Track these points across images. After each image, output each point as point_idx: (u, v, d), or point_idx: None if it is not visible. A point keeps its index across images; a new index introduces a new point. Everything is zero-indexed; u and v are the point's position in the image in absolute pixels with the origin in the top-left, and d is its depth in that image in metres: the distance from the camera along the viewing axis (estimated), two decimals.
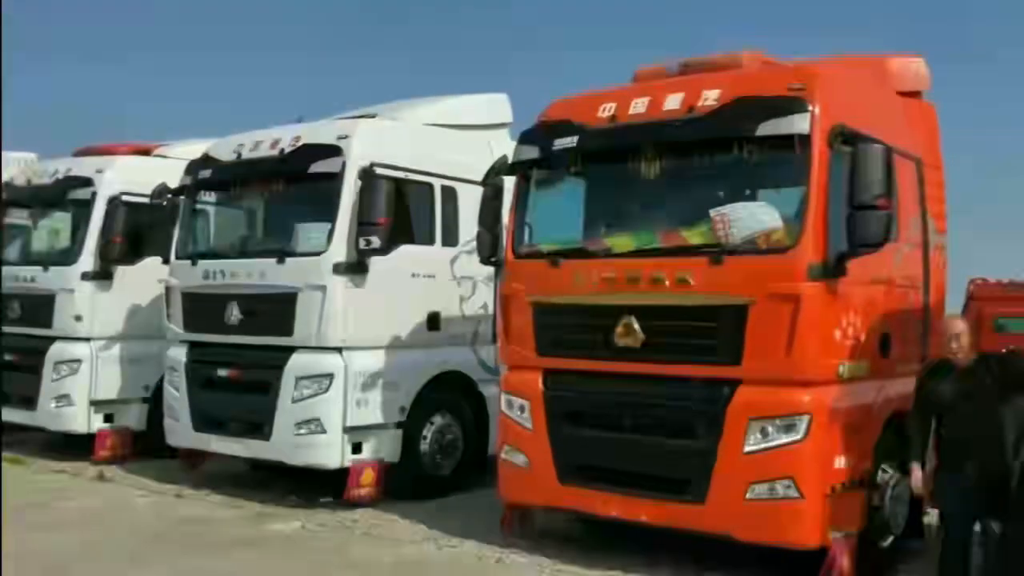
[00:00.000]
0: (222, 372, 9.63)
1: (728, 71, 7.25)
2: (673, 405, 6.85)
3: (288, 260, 9.12)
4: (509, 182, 8.11)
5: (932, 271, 7.86)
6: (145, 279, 11.18)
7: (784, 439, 6.35)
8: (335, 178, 8.96)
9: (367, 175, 8.89)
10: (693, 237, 6.88)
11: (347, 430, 8.90)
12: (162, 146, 12.58)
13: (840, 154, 6.45)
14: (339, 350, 8.95)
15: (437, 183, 9.78)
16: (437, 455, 9.73)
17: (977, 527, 5.60)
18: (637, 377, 6.99)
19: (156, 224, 10.78)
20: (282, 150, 9.40)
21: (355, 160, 8.97)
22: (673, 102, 7.02)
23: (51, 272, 11.55)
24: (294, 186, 9.49)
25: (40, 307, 11.51)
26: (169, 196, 10.52)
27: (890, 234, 6.40)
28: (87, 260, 11.31)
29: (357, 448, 9.02)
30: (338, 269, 8.87)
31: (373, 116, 9.99)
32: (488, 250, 8.14)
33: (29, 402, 11.46)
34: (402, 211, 9.30)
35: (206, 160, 10.15)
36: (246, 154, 9.71)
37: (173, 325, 10.18)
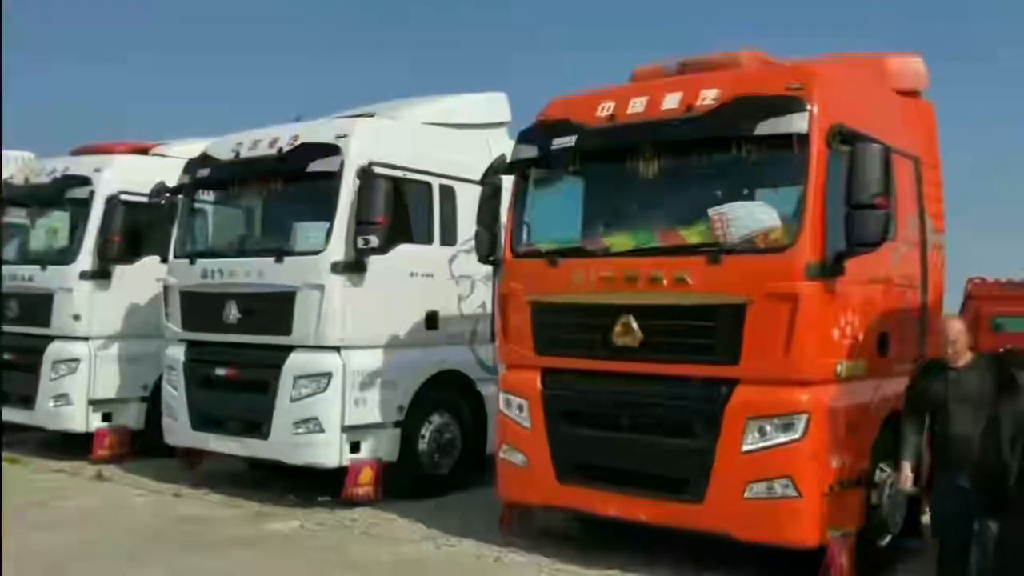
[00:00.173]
0: (220, 371, 9.63)
1: (726, 70, 7.25)
2: (671, 404, 6.85)
3: (286, 259, 9.12)
4: (507, 181, 8.10)
5: (930, 270, 7.86)
6: (143, 278, 11.19)
7: (782, 438, 6.35)
8: (333, 177, 8.96)
9: (365, 174, 8.89)
10: (691, 236, 6.89)
11: (345, 429, 8.90)
12: (160, 145, 12.56)
13: (838, 153, 6.45)
14: (337, 349, 8.95)
15: (435, 182, 9.78)
16: (435, 454, 9.73)
17: (975, 527, 5.59)
18: (635, 376, 6.99)
19: (154, 223, 10.77)
20: (280, 149, 9.40)
21: (353, 159, 8.97)
22: (671, 101, 7.02)
23: (49, 271, 11.54)
24: (292, 185, 9.48)
25: (38, 306, 11.51)
26: (167, 195, 10.52)
27: (888, 233, 6.40)
28: (85, 259, 11.30)
29: (355, 447, 9.02)
30: (336, 268, 8.87)
31: (371, 115, 9.99)
32: (486, 249, 8.13)
33: (27, 401, 11.45)
34: (400, 210, 9.30)
35: (204, 159, 10.15)
36: (244, 153, 9.71)
37: (171, 324, 10.18)
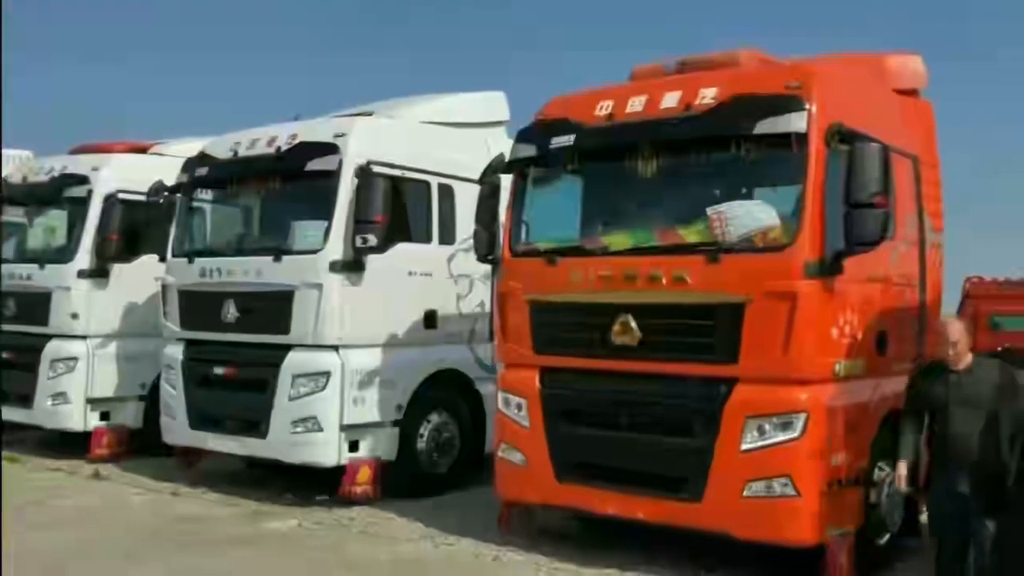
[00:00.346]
0: (219, 370, 9.62)
1: (725, 69, 7.25)
2: (670, 403, 6.85)
3: (285, 258, 9.11)
4: (506, 180, 8.10)
5: (928, 269, 7.86)
6: (141, 277, 11.19)
7: (781, 437, 6.35)
8: (332, 176, 8.95)
9: (364, 173, 8.89)
10: (690, 235, 6.88)
11: (344, 428, 8.90)
12: (158, 144, 12.55)
13: (837, 152, 6.44)
14: (336, 348, 8.95)
15: (434, 181, 9.77)
16: (434, 453, 9.73)
17: (973, 527, 5.57)
18: (634, 375, 6.99)
19: (152, 222, 10.78)
20: (279, 148, 9.40)
21: (352, 158, 8.96)
22: (670, 100, 7.02)
23: (47, 270, 11.52)
24: (291, 184, 9.48)
25: (36, 305, 11.50)
26: (165, 194, 10.52)
27: (887, 232, 6.40)
28: (83, 258, 11.29)
29: (354, 446, 9.01)
30: (335, 267, 8.86)
31: (370, 114, 9.98)
32: (485, 248, 8.13)
33: (25, 400, 11.44)
34: (399, 209, 9.30)
35: (202, 158, 10.13)
36: (243, 152, 9.70)
37: (169, 323, 10.17)
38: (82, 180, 11.52)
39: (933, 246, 7.98)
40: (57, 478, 10.59)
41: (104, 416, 11.45)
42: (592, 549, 7.56)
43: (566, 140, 7.37)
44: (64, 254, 11.54)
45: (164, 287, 10.25)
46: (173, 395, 9.99)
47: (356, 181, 8.89)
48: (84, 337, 11.34)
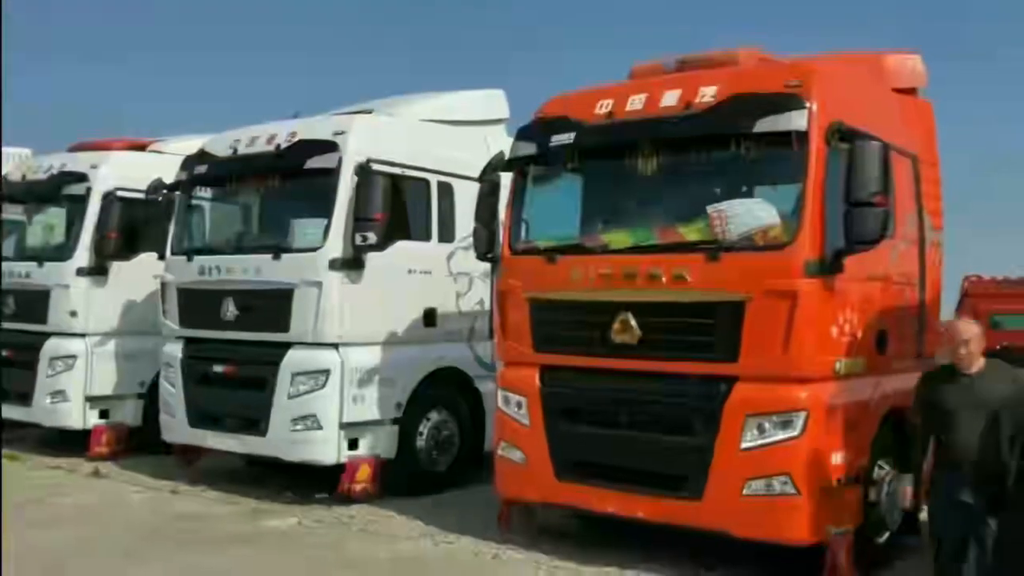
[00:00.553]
0: (218, 368, 9.61)
1: (725, 68, 7.25)
2: (670, 402, 6.85)
3: (284, 256, 9.10)
4: (506, 178, 8.09)
5: (928, 268, 7.86)
6: (140, 275, 11.18)
7: (781, 435, 6.35)
8: (331, 174, 8.94)
9: (363, 171, 8.88)
10: (690, 233, 6.88)
11: (343, 426, 8.89)
12: (157, 141, 12.54)
13: (837, 151, 6.44)
14: (335, 346, 8.94)
15: (433, 179, 9.77)
16: (433, 451, 9.73)
17: (973, 526, 5.54)
18: (634, 374, 6.99)
19: (151, 220, 10.77)
20: (278, 146, 9.39)
21: (351, 156, 8.96)
22: (670, 99, 7.01)
23: (46, 268, 11.51)
24: (290, 182, 9.49)
25: (35, 303, 11.49)
26: (164, 192, 10.50)
27: (887, 231, 6.40)
28: (82, 256, 11.28)
29: (353, 444, 9.01)
30: (334, 265, 8.86)
31: (369, 112, 9.98)
32: (485, 246, 8.12)
33: (24, 398, 11.44)
34: (398, 207, 9.30)
35: (202, 156, 10.12)
36: (242, 150, 9.69)
37: (169, 321, 10.16)
38: (81, 178, 11.51)
39: (933, 245, 7.99)
40: (57, 476, 10.59)
41: (103, 414, 11.45)
42: (592, 547, 7.56)
43: (566, 138, 7.36)
44: (63, 252, 11.52)
45: (163, 285, 10.24)
46: (172, 393, 9.98)
47: (356, 179, 8.89)
48: (83, 335, 11.33)
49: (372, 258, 8.96)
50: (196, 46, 56.40)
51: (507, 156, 7.95)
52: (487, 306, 10.06)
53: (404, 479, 9.41)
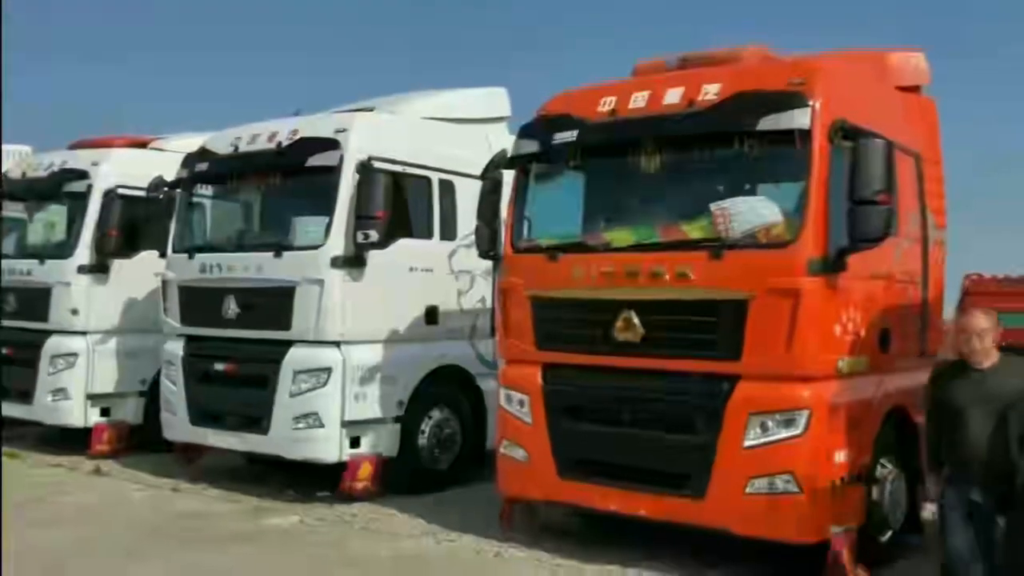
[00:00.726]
0: (219, 366, 9.60)
1: (728, 65, 7.23)
2: (673, 400, 6.84)
3: (285, 254, 9.09)
4: (508, 176, 8.08)
5: (931, 266, 7.85)
6: (142, 272, 11.16)
7: (784, 434, 6.34)
8: (333, 172, 8.93)
9: (365, 169, 8.86)
10: (693, 231, 6.87)
11: (345, 424, 8.88)
12: (158, 139, 12.53)
13: (840, 149, 6.42)
14: (337, 344, 8.93)
15: (435, 177, 9.75)
16: (435, 449, 9.71)
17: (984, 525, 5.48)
18: (637, 372, 6.97)
19: (152, 217, 10.74)
20: (279, 143, 9.37)
21: (353, 154, 8.94)
22: (673, 96, 6.99)
23: (47, 265, 11.50)
24: (291, 180, 9.47)
25: (36, 300, 11.47)
26: (165, 189, 10.47)
27: (890, 229, 6.38)
28: (83, 253, 11.26)
29: (355, 442, 9.00)
30: (336, 263, 8.84)
31: (371, 110, 9.98)
32: (487, 244, 8.10)
33: (25, 396, 11.42)
34: (400, 205, 9.28)
35: (203, 153, 10.10)
36: (243, 147, 9.68)
37: (170, 319, 10.15)
38: (82, 175, 11.49)
39: (936, 243, 7.97)
40: (58, 474, 10.58)
41: (104, 412, 11.43)
42: (594, 545, 7.55)
43: (569, 136, 7.34)
44: (64, 250, 11.51)
45: (164, 283, 10.22)
46: (174, 391, 9.97)
47: (357, 177, 8.87)
48: (84, 333, 11.32)
49: (374, 256, 8.94)
50: (196, 46, 56.36)
51: (509, 154, 7.93)
52: (488, 304, 10.05)
53: (406, 477, 9.40)
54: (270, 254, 9.17)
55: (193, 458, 10.42)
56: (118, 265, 11.35)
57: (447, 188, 9.84)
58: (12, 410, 11.45)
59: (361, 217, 8.75)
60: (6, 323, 11.69)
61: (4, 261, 11.81)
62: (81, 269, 11.25)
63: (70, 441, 11.54)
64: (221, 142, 9.98)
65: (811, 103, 6.39)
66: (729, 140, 6.64)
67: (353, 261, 8.90)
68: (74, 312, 11.27)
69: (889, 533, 7.17)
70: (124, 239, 11.24)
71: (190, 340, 9.97)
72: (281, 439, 9.01)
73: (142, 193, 10.90)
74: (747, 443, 6.42)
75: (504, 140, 9.21)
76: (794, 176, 6.60)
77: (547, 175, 7.93)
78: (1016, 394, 5.17)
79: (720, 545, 6.98)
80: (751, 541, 6.59)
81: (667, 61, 7.76)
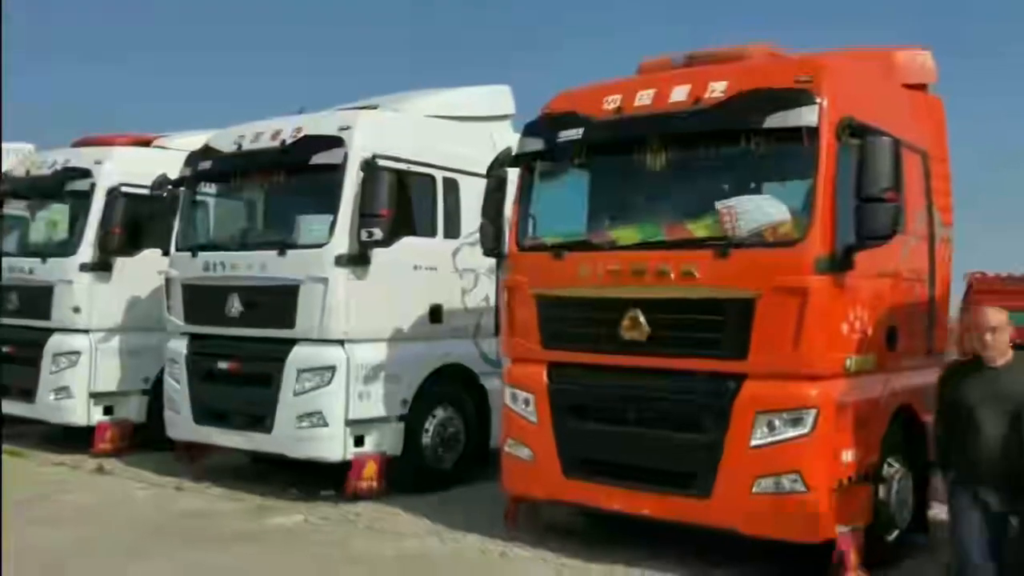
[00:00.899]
0: (223, 364, 9.58)
1: (734, 63, 7.20)
2: (679, 399, 6.81)
3: (289, 252, 9.07)
4: (512, 174, 8.05)
5: (938, 264, 7.82)
6: (145, 270, 11.13)
7: (791, 433, 6.31)
8: (337, 169, 8.91)
9: (369, 166, 8.84)
10: (699, 230, 6.84)
11: (349, 423, 8.86)
12: (162, 137, 12.51)
13: (848, 146, 6.39)
14: (341, 343, 8.91)
15: (439, 175, 9.72)
16: (439, 448, 9.68)
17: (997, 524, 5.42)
18: (643, 371, 6.94)
19: (156, 215, 10.73)
20: (283, 141, 9.35)
21: (357, 151, 8.92)
22: (679, 94, 6.95)
23: (50, 263, 11.48)
24: (295, 177, 9.44)
25: (38, 299, 11.45)
26: (169, 187, 10.45)
27: (898, 227, 6.35)
28: (86, 251, 11.24)
29: (359, 441, 8.97)
30: (340, 261, 8.82)
31: (375, 107, 9.94)
32: (491, 242, 8.08)
33: (28, 394, 11.40)
34: (404, 203, 9.25)
35: (206, 151, 10.08)
36: (247, 145, 9.65)
37: (173, 317, 10.13)
38: (85, 173, 11.47)
39: (942, 241, 7.94)
40: (61, 473, 10.56)
41: (107, 410, 11.41)
42: (599, 545, 7.52)
43: (574, 134, 7.31)
44: (66, 248, 11.50)
45: (168, 281, 10.19)
46: (177, 389, 9.95)
47: (361, 175, 8.85)
48: (87, 331, 11.30)
49: (378, 254, 8.92)
50: (196, 46, 56.38)
51: (515, 151, 7.90)
52: (492, 302, 10.04)
53: (410, 476, 9.37)
54: (274, 252, 9.15)
55: (196, 457, 10.39)
56: (121, 263, 11.32)
57: (451, 186, 9.81)
58: (15, 408, 11.45)
59: (365, 215, 8.72)
60: (9, 321, 11.68)
61: (7, 259, 11.80)
62: (84, 267, 11.24)
63: (73, 440, 11.51)
64: (225, 140, 9.96)
65: (818, 100, 6.36)
66: (736, 138, 6.59)
67: (357, 259, 8.87)
68: (77, 310, 11.25)
69: (896, 533, 7.14)
70: (127, 237, 11.23)
71: (193, 338, 9.95)
72: (285, 438, 8.98)
73: (145, 191, 10.91)
74: (754, 442, 6.39)
75: (508, 138, 9.20)
76: (801, 174, 6.58)
77: (552, 173, 7.90)
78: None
79: (725, 544, 6.96)
80: (757, 541, 6.56)
81: (673, 59, 7.73)
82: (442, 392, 9.72)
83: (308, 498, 9.19)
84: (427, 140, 9.71)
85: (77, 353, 11.24)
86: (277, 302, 9.08)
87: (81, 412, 11.26)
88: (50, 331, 11.41)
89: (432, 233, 9.69)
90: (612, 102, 7.27)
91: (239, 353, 9.47)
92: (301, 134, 9.28)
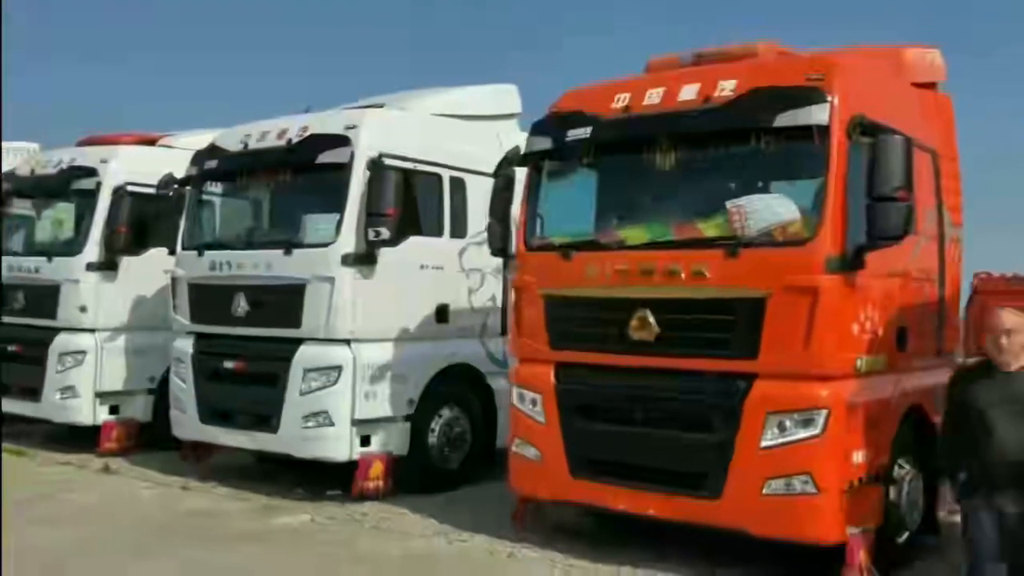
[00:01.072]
0: (229, 364, 9.54)
1: (744, 61, 7.16)
2: (688, 399, 6.77)
3: (296, 251, 9.04)
4: (520, 173, 8.02)
5: (948, 264, 7.78)
6: (151, 270, 11.13)
7: (802, 434, 6.26)
8: (343, 168, 8.88)
9: (375, 165, 8.81)
10: (709, 229, 6.80)
11: (355, 423, 8.83)
12: (167, 136, 12.49)
13: (859, 145, 6.34)
14: (347, 342, 8.88)
15: (446, 174, 9.69)
16: (445, 448, 9.66)
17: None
18: (652, 371, 6.90)
19: (162, 214, 10.69)
20: (289, 140, 9.32)
21: (363, 150, 8.89)
22: (688, 93, 6.91)
23: (55, 263, 11.46)
24: (301, 177, 9.41)
25: (44, 298, 11.43)
26: (175, 186, 10.44)
27: (910, 226, 6.30)
28: (92, 250, 11.22)
29: (365, 441, 8.95)
30: (346, 260, 8.79)
31: (381, 106, 9.92)
32: (498, 242, 8.05)
33: (34, 394, 11.39)
34: (410, 202, 9.24)
35: (212, 150, 10.06)
36: (253, 144, 9.63)
37: (179, 316, 10.11)
38: (90, 172, 11.44)
39: (952, 241, 7.90)
40: (66, 472, 10.54)
41: (113, 410, 11.40)
42: (606, 546, 7.49)
43: (582, 133, 7.27)
44: (72, 247, 11.47)
45: (174, 280, 10.17)
46: (183, 389, 9.93)
47: (368, 174, 8.82)
48: (93, 330, 11.28)
49: (384, 253, 8.89)
50: (196, 46, 56.33)
51: (522, 150, 7.87)
52: (499, 302, 10.02)
53: (416, 476, 9.34)
54: (280, 251, 9.12)
55: (202, 456, 10.37)
56: (127, 262, 11.30)
57: (458, 185, 9.78)
58: (20, 407, 11.44)
59: (372, 214, 8.70)
60: (15, 320, 11.67)
61: (13, 258, 11.80)
62: (90, 266, 11.21)
63: (78, 439, 11.50)
64: (231, 139, 9.93)
65: (829, 99, 6.31)
66: (746, 137, 6.54)
67: (364, 259, 8.84)
68: (83, 309, 11.23)
69: (906, 534, 7.09)
70: (133, 236, 11.20)
71: (200, 338, 9.92)
72: (291, 437, 8.95)
73: (151, 190, 10.92)
74: (764, 443, 6.33)
75: (514, 137, 9.17)
76: (812, 173, 6.53)
77: (560, 172, 7.86)
78: None
79: (733, 546, 6.92)
80: (763, 541, 6.52)
81: (681, 57, 7.69)
82: (448, 392, 9.69)
83: (314, 498, 9.17)
84: (433, 139, 9.69)
85: (83, 352, 11.22)
86: (283, 301, 9.05)
87: (87, 411, 11.25)
88: (56, 330, 11.39)
89: (439, 232, 9.66)
90: (621, 101, 7.23)
91: (245, 353, 9.44)
92: (307, 133, 9.25)
